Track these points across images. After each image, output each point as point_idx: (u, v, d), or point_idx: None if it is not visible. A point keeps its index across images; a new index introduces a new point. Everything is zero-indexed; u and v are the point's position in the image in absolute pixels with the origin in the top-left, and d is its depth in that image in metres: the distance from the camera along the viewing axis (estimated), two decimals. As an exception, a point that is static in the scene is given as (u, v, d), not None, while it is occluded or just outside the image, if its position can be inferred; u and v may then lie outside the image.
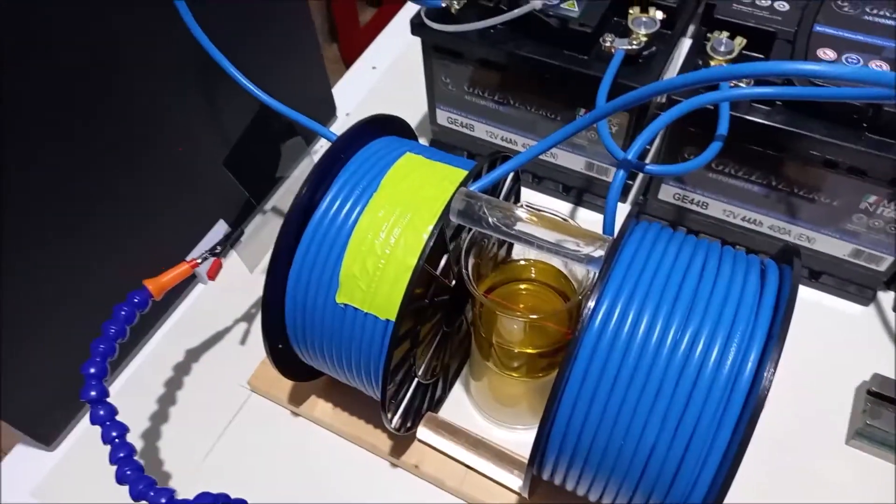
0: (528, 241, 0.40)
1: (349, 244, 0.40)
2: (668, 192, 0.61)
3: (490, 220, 0.40)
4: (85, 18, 0.45)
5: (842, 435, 0.52)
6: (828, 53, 0.51)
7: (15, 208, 0.44)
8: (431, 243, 0.38)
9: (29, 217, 0.46)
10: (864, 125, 0.49)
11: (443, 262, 0.42)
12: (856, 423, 0.52)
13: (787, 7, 0.55)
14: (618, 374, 0.36)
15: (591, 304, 0.36)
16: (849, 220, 0.54)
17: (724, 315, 0.36)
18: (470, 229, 0.43)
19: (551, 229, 0.40)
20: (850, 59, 0.50)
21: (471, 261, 0.42)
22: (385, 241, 0.40)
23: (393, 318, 0.39)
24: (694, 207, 0.61)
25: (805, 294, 0.61)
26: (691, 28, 0.62)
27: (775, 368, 0.34)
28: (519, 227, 0.40)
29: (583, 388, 0.36)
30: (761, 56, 0.54)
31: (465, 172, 0.42)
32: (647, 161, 0.68)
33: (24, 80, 0.42)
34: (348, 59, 2.02)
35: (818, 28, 0.53)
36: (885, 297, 0.60)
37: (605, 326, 0.36)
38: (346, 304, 0.40)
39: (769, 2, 0.55)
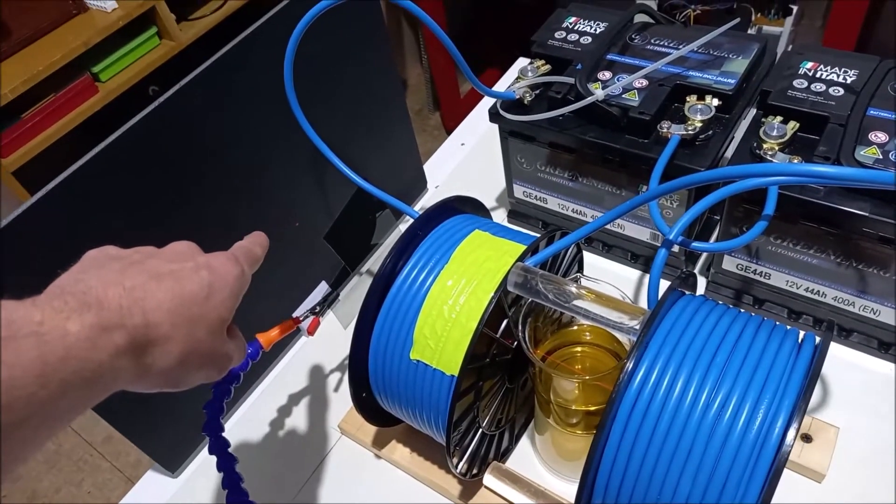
0: (578, 312, 0.45)
1: (422, 309, 0.47)
2: (731, 263, 0.64)
3: (544, 292, 0.46)
4: (240, 132, 0.59)
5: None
6: (879, 136, 0.54)
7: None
8: (489, 311, 0.44)
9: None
10: (917, 203, 0.51)
11: (503, 326, 0.48)
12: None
13: (841, 92, 0.58)
14: (653, 434, 0.40)
15: (629, 366, 0.41)
16: (911, 294, 0.55)
17: (755, 382, 0.40)
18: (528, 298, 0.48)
19: (599, 303, 0.45)
20: (902, 142, 0.53)
21: (528, 326, 0.48)
22: (452, 307, 0.46)
23: (456, 373, 0.45)
24: (757, 278, 0.63)
25: (875, 365, 0.61)
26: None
27: (797, 433, 0.37)
28: (570, 300, 0.45)
29: (622, 443, 0.41)
30: (816, 138, 0.57)
31: (524, 248, 0.49)
32: (714, 235, 0.72)
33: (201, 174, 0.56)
34: (449, 126, 2.15)
35: (872, 112, 0.56)
36: (961, 371, 0.59)
37: (642, 390, 0.41)
38: (418, 360, 0.47)
39: (824, 87, 0.59)
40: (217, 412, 0.50)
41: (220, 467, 0.49)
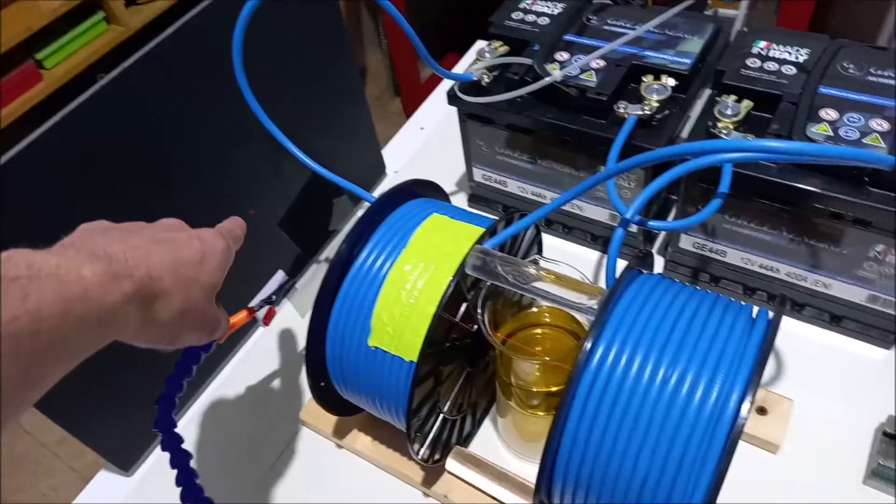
0: (537, 293, 0.45)
1: (380, 294, 0.46)
2: (687, 241, 0.65)
3: (503, 275, 0.45)
4: (189, 117, 0.57)
5: (860, 474, 0.54)
6: (829, 114, 0.55)
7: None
8: (448, 295, 0.43)
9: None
10: (866, 179, 0.52)
11: (462, 309, 0.47)
12: (873, 463, 0.53)
13: (793, 71, 0.59)
14: (612, 411, 0.40)
15: (587, 345, 0.41)
16: (860, 268, 0.56)
17: (710, 357, 0.40)
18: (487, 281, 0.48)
19: (558, 284, 0.45)
20: (851, 119, 0.54)
21: (487, 309, 0.47)
22: (410, 292, 0.46)
23: (416, 359, 0.44)
24: (713, 255, 0.64)
25: (827, 339, 0.63)
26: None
27: (751, 405, 0.37)
28: (529, 282, 0.45)
29: (581, 422, 0.41)
30: (769, 116, 0.58)
31: (483, 230, 0.48)
32: (672, 213, 0.72)
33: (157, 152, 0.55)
34: (409, 112, 2.13)
35: (822, 90, 0.57)
36: (909, 341, 0.61)
37: (600, 368, 0.41)
38: (376, 347, 0.46)
39: (777, 66, 0.59)
40: (169, 408, 0.49)
41: (173, 464, 0.47)
